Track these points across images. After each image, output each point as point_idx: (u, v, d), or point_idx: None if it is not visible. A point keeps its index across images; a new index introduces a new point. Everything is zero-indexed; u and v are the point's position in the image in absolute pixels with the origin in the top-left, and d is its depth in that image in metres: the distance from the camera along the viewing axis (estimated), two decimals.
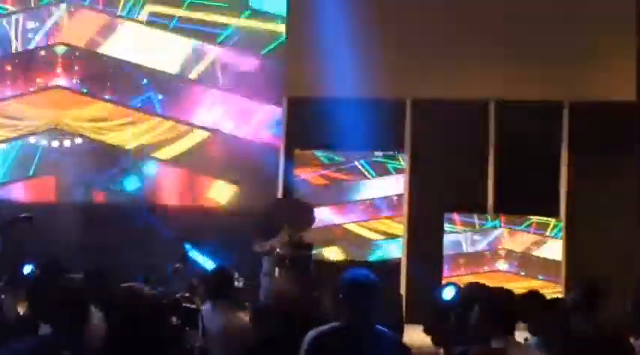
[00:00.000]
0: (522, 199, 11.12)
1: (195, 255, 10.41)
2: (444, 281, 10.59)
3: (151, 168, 12.43)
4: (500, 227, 11.36)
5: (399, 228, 11.68)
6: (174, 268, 7.99)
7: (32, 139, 12.44)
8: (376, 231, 11.76)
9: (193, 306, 4.99)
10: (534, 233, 11.32)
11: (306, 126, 11.64)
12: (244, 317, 6.30)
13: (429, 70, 11.37)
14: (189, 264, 9.29)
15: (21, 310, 6.94)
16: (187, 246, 9.75)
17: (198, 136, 12.31)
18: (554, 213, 11.27)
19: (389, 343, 4.65)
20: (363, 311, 4.60)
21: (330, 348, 4.58)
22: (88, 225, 11.53)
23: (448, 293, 6.59)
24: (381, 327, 4.67)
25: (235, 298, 6.16)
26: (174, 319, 4.78)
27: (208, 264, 10.43)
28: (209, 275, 6.27)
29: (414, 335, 7.14)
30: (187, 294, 5.63)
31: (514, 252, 11.35)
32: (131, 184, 12.48)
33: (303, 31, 11.76)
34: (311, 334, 4.63)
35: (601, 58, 11.12)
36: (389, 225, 11.75)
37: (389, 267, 11.20)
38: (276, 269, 8.62)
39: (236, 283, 7.40)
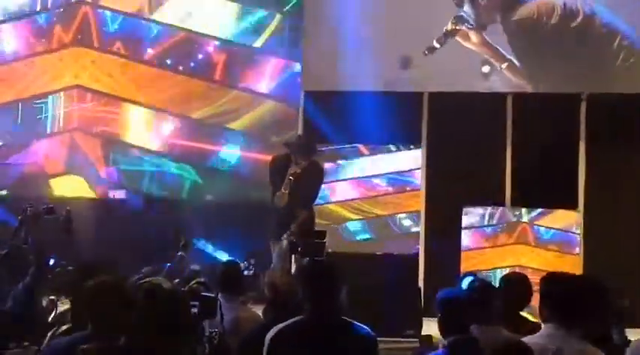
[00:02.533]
0: (540, 191, 11.10)
1: (204, 246, 10.41)
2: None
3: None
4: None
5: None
6: (178, 256, 7.97)
7: None
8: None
9: (212, 294, 5.00)
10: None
11: (323, 119, 11.66)
12: (255, 309, 6.41)
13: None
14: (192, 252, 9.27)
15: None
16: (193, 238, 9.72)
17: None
18: (573, 206, 11.23)
19: (353, 334, 4.52)
20: (322, 301, 4.49)
21: (290, 344, 4.48)
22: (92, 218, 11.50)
23: (467, 284, 6.59)
24: (348, 319, 4.56)
25: (243, 292, 6.32)
26: (194, 310, 4.77)
27: (219, 254, 10.46)
28: (218, 270, 6.49)
29: (434, 327, 7.11)
30: (202, 279, 5.66)
31: None
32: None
33: (320, 27, 11.82)
34: (270, 334, 4.54)
35: (619, 50, 11.10)
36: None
37: (407, 260, 11.18)
38: (292, 256, 8.67)
39: (246, 272, 7.53)
